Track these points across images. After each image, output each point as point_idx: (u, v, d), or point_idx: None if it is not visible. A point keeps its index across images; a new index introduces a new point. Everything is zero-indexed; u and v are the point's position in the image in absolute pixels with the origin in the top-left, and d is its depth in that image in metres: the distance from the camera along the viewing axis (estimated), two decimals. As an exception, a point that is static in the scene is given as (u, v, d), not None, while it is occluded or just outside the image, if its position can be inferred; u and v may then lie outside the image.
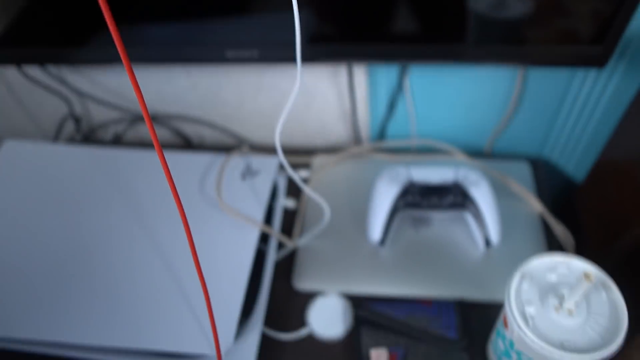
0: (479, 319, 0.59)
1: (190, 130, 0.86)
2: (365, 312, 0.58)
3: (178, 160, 0.67)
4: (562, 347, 0.41)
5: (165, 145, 0.85)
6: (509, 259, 0.64)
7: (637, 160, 0.62)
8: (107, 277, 0.55)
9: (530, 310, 0.43)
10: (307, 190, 0.53)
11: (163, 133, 0.86)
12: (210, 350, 0.49)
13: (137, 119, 0.84)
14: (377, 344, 0.57)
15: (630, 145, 0.64)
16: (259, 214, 0.58)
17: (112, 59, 0.61)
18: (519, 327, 0.42)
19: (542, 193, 0.72)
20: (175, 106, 0.81)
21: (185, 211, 0.59)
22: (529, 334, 0.41)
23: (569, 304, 0.42)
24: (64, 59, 0.63)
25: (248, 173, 0.63)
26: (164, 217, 0.60)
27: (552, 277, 0.45)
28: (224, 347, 0.49)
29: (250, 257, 0.55)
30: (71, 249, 0.58)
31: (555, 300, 0.43)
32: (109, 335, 0.51)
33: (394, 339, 0.57)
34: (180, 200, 0.38)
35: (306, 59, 0.59)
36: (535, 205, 0.69)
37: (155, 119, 0.83)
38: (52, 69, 0.78)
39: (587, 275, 0.38)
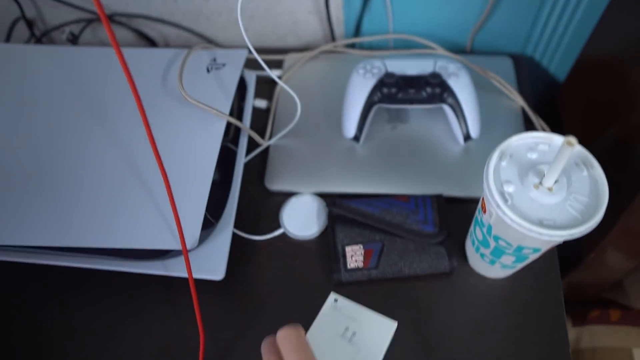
0: (457, 215, 0.57)
1: (153, 31, 0.79)
2: (339, 209, 0.56)
3: (138, 56, 0.62)
4: (541, 224, 0.39)
5: (125, 45, 0.79)
6: (488, 153, 0.61)
7: (620, 54, 0.59)
8: (68, 177, 0.52)
9: (509, 189, 0.41)
10: (277, 80, 0.49)
11: (124, 35, 0.80)
12: (177, 245, 0.47)
13: (94, 19, 0.77)
14: (353, 241, 0.55)
15: (612, 39, 0.61)
16: (226, 105, 0.54)
17: None
18: (497, 205, 0.40)
19: (524, 88, 0.69)
20: (135, 4, 0.75)
21: (147, 106, 0.54)
22: (508, 212, 0.39)
23: (549, 180, 0.40)
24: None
25: (213, 66, 0.59)
26: (127, 113, 0.56)
27: (533, 156, 0.43)
28: (190, 241, 0.47)
29: (217, 148, 0.51)
30: (31, 150, 0.54)
31: (535, 178, 0.41)
32: (70, 236, 0.48)
33: (370, 235, 0.55)
34: (137, 91, 0.35)
35: None
36: (517, 100, 0.66)
37: (112, 19, 0.77)
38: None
39: (568, 142, 0.35)
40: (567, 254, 0.62)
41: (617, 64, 0.59)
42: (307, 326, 0.51)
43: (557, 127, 0.66)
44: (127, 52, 0.62)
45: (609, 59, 0.61)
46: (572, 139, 0.36)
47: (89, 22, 0.77)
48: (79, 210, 0.50)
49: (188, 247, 0.46)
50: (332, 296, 0.51)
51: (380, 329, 0.49)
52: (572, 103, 0.71)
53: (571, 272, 0.67)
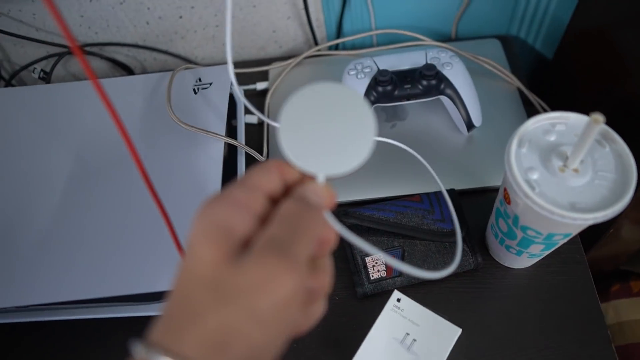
0: (471, 207, 0.55)
1: (128, 57, 0.76)
2: (353, 218, 0.54)
3: (117, 85, 0.59)
4: (573, 208, 0.38)
5: (102, 77, 0.76)
6: (493, 140, 0.60)
7: (606, 24, 0.58)
8: (62, 228, 0.49)
9: (534, 175, 0.39)
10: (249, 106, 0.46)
11: (97, 65, 0.77)
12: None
13: (65, 53, 0.74)
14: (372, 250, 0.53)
15: (598, 10, 0.60)
16: (221, 125, 0.52)
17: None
18: (525, 195, 0.38)
19: (517, 68, 0.68)
20: (106, 32, 0.72)
21: (136, 137, 0.52)
22: (537, 199, 0.37)
23: (574, 161, 0.38)
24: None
25: (200, 86, 0.56)
26: (115, 150, 0.53)
27: (551, 138, 0.41)
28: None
29: (219, 173, 0.49)
30: (16, 201, 0.51)
31: (558, 161, 0.39)
32: (73, 289, 0.45)
33: (388, 241, 0.53)
34: (120, 123, 0.32)
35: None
36: (512, 81, 0.65)
37: (84, 50, 0.73)
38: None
39: (595, 119, 0.33)
40: (586, 232, 0.60)
41: (604, 33, 0.58)
42: (345, 343, 0.49)
43: (553, 105, 0.65)
44: (105, 83, 0.60)
45: (596, 29, 0.60)
46: (599, 116, 0.34)
47: (60, 56, 0.74)
48: (78, 262, 0.47)
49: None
50: (396, 295, 0.48)
51: (442, 335, 0.46)
52: (565, 78, 0.70)
53: (590, 250, 0.65)
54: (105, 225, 0.48)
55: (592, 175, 0.39)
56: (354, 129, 0.28)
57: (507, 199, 0.43)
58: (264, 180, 0.26)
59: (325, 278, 0.27)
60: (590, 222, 0.38)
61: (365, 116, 0.28)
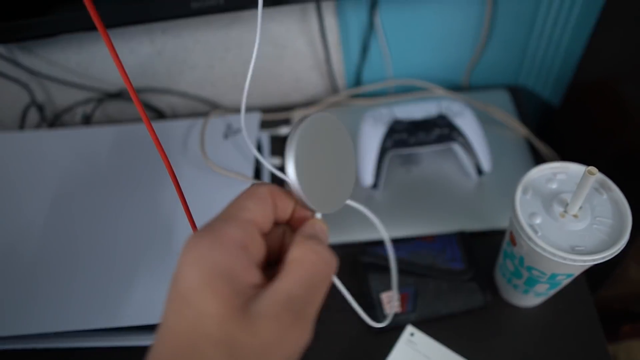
0: (481, 248, 0.59)
1: (160, 102, 0.82)
2: (370, 257, 0.58)
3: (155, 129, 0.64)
4: (573, 251, 0.41)
5: (136, 120, 0.82)
6: (502, 185, 0.64)
7: (610, 76, 0.62)
8: (105, 261, 0.53)
9: (537, 220, 0.43)
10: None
11: (132, 110, 0.83)
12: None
13: (104, 97, 0.80)
14: (387, 287, 0.56)
15: (602, 63, 0.64)
16: (248, 168, 0.56)
17: (65, 28, 0.57)
18: (529, 238, 0.42)
19: (525, 117, 0.72)
20: (142, 78, 0.78)
21: (167, 177, 0.56)
22: (540, 242, 0.41)
23: (573, 208, 0.42)
24: (11, 34, 0.58)
25: (230, 132, 0.61)
26: (150, 189, 0.58)
27: (553, 186, 0.45)
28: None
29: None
30: (60, 238, 0.55)
31: (559, 207, 0.43)
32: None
33: (403, 279, 0.56)
34: (168, 161, 0.36)
35: (273, 0, 0.57)
36: (520, 130, 0.69)
37: (121, 95, 0.80)
38: (2, 50, 0.73)
39: (590, 172, 0.37)
40: (593, 273, 0.63)
41: (608, 85, 0.62)
42: (354, 377, 0.51)
43: (559, 152, 0.69)
44: (141, 127, 0.65)
45: (600, 81, 0.65)
46: (593, 169, 0.38)
47: (99, 101, 0.80)
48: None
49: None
50: (409, 329, 0.51)
51: None
52: (570, 126, 0.74)
53: (598, 290, 0.68)
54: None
55: (591, 221, 0.43)
56: (345, 166, 0.29)
57: (513, 241, 0.47)
58: (259, 214, 0.25)
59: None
60: (589, 264, 0.41)
61: (349, 152, 0.29)
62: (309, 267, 0.24)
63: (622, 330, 0.74)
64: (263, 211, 0.25)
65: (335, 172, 0.28)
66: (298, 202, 0.27)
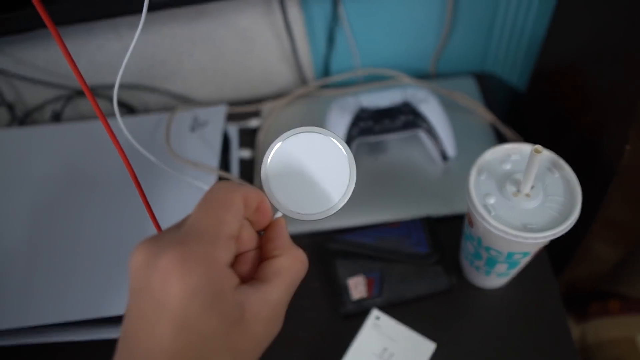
0: (447, 233, 0.60)
1: (132, 98, 0.82)
2: (337, 244, 0.59)
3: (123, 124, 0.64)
4: (525, 229, 0.42)
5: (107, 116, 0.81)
6: (467, 170, 0.64)
7: (571, 61, 0.63)
8: (70, 255, 0.53)
9: (491, 201, 0.44)
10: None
11: (102, 105, 0.83)
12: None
13: (74, 94, 0.80)
14: (354, 273, 0.57)
15: (563, 48, 0.65)
16: (214, 160, 0.57)
17: (29, 25, 0.58)
18: (483, 218, 0.43)
19: (491, 103, 0.73)
20: (112, 74, 0.78)
21: (137, 172, 0.57)
22: (493, 222, 0.42)
23: (526, 187, 0.43)
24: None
25: (197, 125, 0.62)
26: (119, 184, 0.58)
27: (507, 166, 0.46)
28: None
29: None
30: (37, 234, 0.56)
31: (512, 187, 0.44)
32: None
33: (369, 264, 0.57)
34: (129, 163, 0.37)
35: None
36: (486, 115, 0.70)
37: (91, 91, 0.80)
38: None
39: (536, 150, 0.38)
40: (558, 253, 0.64)
41: (570, 70, 0.63)
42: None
43: (526, 136, 0.70)
44: (110, 123, 0.65)
45: (562, 66, 0.66)
46: (539, 147, 0.39)
47: (69, 98, 0.80)
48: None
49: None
50: (375, 313, 0.52)
51: (418, 350, 0.50)
52: (536, 111, 0.75)
53: (564, 270, 0.69)
54: (104, 251, 0.53)
55: (543, 199, 0.44)
56: (332, 179, 0.30)
57: (470, 223, 0.48)
58: (236, 226, 0.27)
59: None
60: (541, 241, 0.42)
61: (342, 173, 0.30)
62: (294, 274, 0.28)
63: (590, 309, 0.76)
64: (239, 221, 0.27)
65: (316, 180, 0.30)
66: (270, 202, 0.29)
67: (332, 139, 0.30)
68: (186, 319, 0.23)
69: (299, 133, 0.30)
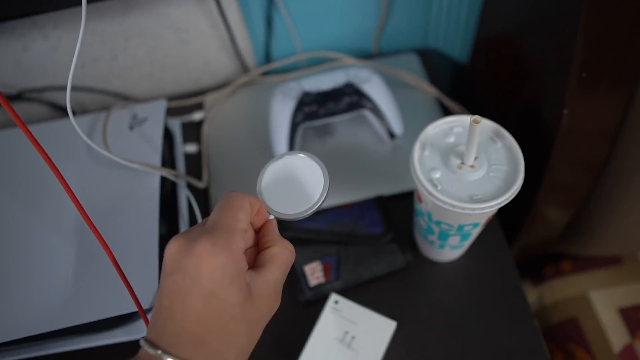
0: (399, 210, 0.60)
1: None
2: (290, 232, 0.58)
3: (55, 129, 0.61)
4: (472, 200, 0.42)
5: (41, 120, 0.77)
6: (415, 146, 0.65)
7: (508, 32, 0.64)
8: (12, 267, 0.51)
9: (436, 175, 0.44)
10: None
11: (37, 110, 0.79)
12: (132, 307, 0.46)
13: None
14: (309, 259, 0.56)
15: (500, 19, 0.66)
16: (156, 157, 0.55)
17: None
18: (429, 193, 0.43)
19: (435, 78, 0.73)
20: (42, 77, 0.74)
21: (75, 177, 0.54)
22: (439, 195, 0.42)
23: (469, 159, 0.43)
24: None
25: (135, 122, 0.59)
26: (51, 191, 0.55)
27: (450, 139, 0.46)
28: (147, 299, 0.46)
29: (156, 202, 0.52)
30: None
31: (456, 159, 0.44)
32: (32, 323, 0.47)
33: (325, 249, 0.57)
34: (53, 164, 0.35)
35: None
36: (430, 91, 0.70)
37: (22, 96, 0.76)
38: None
39: (474, 120, 0.38)
40: (509, 221, 0.66)
41: (508, 40, 0.64)
42: (290, 348, 0.52)
43: (471, 109, 0.71)
44: (42, 127, 0.62)
45: (500, 37, 0.66)
46: (478, 117, 0.39)
47: (-1, 105, 0.76)
48: (33, 297, 0.49)
49: (146, 305, 0.45)
50: (333, 297, 0.52)
51: (379, 330, 0.50)
52: (479, 83, 0.76)
53: (518, 237, 0.71)
54: (53, 261, 0.50)
55: (487, 169, 0.44)
56: (310, 190, 0.39)
57: (419, 199, 0.47)
58: (246, 223, 0.34)
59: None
60: (488, 210, 0.42)
61: (318, 182, 0.39)
62: (285, 260, 0.35)
63: (544, 272, 0.78)
64: (248, 219, 0.34)
65: (300, 191, 0.38)
66: (266, 208, 0.37)
67: (309, 158, 0.39)
68: (214, 288, 0.30)
69: (284, 156, 0.39)
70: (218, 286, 0.31)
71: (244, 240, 0.33)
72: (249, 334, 0.33)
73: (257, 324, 0.34)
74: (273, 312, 0.35)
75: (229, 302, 0.31)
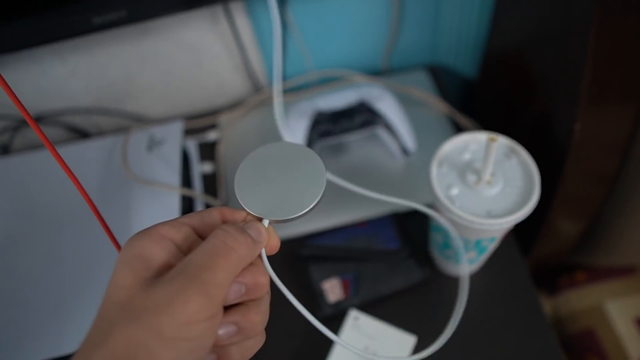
0: (415, 226, 0.60)
1: (85, 122, 0.80)
2: (308, 249, 0.59)
3: (74, 152, 0.63)
4: (490, 215, 0.43)
5: (59, 143, 0.79)
6: (429, 162, 0.65)
7: (516, 48, 0.65)
8: (26, 293, 0.52)
9: (454, 191, 0.45)
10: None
11: (55, 133, 0.80)
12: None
13: (21, 124, 0.77)
14: (328, 276, 0.57)
15: (508, 35, 0.67)
16: (175, 178, 0.56)
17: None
18: (447, 209, 0.43)
19: (445, 94, 0.74)
20: (60, 100, 0.76)
21: (97, 198, 0.55)
22: (457, 212, 0.43)
23: (485, 175, 0.44)
24: None
25: (153, 144, 0.60)
26: (76, 214, 0.56)
27: (467, 156, 0.47)
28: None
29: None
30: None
31: (473, 176, 0.45)
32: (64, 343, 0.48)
33: (343, 266, 0.57)
34: (84, 189, 0.36)
35: (177, 7, 0.56)
36: (441, 107, 0.71)
37: (40, 119, 0.77)
38: None
39: (491, 139, 0.39)
40: (524, 233, 0.66)
41: (515, 56, 0.65)
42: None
43: (482, 124, 0.72)
44: (61, 150, 0.63)
45: (508, 52, 0.67)
46: (494, 135, 0.40)
47: (15, 128, 0.77)
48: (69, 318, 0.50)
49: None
50: (353, 314, 0.52)
51: (399, 344, 0.50)
52: (489, 98, 0.77)
53: (532, 249, 0.71)
54: (75, 284, 0.51)
55: (504, 185, 0.45)
56: (304, 183, 0.31)
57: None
58: (197, 221, 0.28)
59: (256, 317, 0.28)
60: (506, 226, 0.43)
61: (317, 172, 0.32)
62: (213, 240, 0.26)
63: (559, 283, 0.78)
64: (202, 219, 0.28)
65: (292, 187, 0.31)
66: (247, 212, 0.30)
67: (296, 144, 0.33)
68: (113, 271, 0.25)
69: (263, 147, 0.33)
70: (116, 267, 0.26)
71: (176, 228, 0.28)
72: (130, 334, 0.23)
73: (146, 320, 0.24)
74: (182, 306, 0.24)
75: (117, 285, 0.25)
